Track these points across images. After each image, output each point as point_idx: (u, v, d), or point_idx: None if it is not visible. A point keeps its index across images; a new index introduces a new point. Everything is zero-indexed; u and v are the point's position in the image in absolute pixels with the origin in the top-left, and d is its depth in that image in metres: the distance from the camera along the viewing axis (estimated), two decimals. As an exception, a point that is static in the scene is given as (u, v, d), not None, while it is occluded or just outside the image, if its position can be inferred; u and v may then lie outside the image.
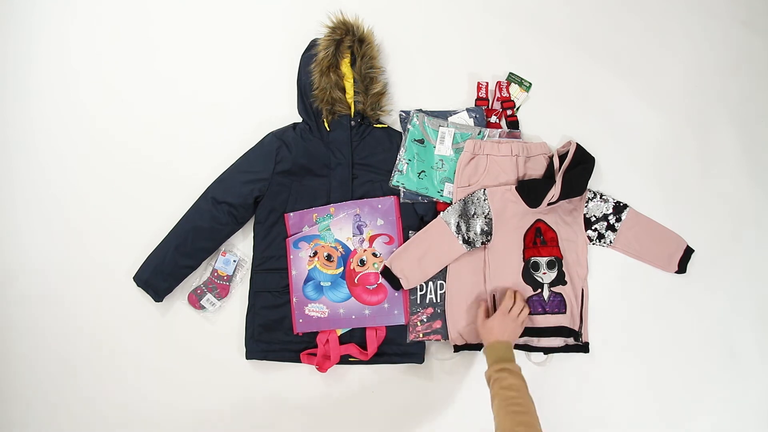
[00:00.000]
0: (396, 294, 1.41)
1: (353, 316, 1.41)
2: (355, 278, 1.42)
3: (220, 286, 1.49)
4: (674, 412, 1.50)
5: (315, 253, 1.44)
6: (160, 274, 1.44)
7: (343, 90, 1.47)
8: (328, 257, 1.44)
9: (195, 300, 1.48)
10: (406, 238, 1.45)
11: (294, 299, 1.43)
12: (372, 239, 1.43)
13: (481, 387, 1.49)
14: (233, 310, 1.50)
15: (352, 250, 1.43)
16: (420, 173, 1.47)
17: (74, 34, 1.62)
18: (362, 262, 1.43)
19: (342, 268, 1.43)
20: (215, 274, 1.49)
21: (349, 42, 1.45)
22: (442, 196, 1.47)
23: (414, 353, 1.44)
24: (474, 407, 1.48)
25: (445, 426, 1.48)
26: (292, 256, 1.44)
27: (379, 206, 1.43)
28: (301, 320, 1.42)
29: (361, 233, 1.43)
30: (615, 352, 1.51)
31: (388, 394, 1.48)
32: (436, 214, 1.49)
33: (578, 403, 1.49)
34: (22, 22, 1.62)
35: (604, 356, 1.51)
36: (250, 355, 1.44)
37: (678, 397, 1.51)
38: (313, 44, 1.49)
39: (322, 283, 1.43)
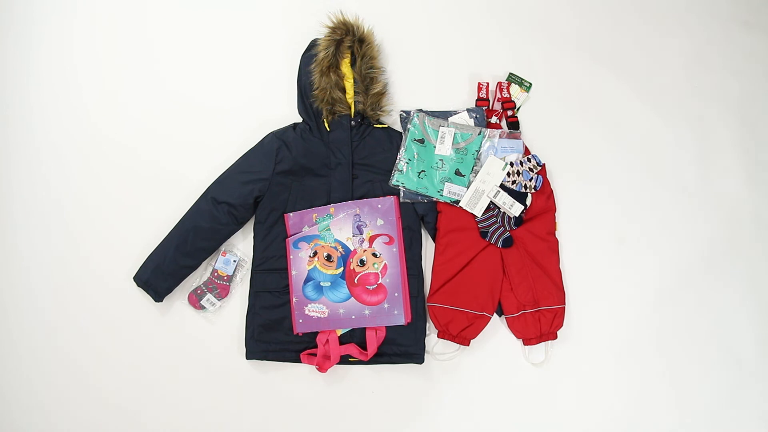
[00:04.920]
0: (396, 294, 1.41)
1: (353, 316, 1.41)
2: (355, 278, 1.42)
3: (220, 286, 1.49)
4: (675, 412, 1.50)
5: (315, 253, 1.44)
6: (160, 274, 1.44)
7: (343, 90, 1.47)
8: (328, 257, 1.44)
9: (195, 300, 1.48)
10: (406, 238, 1.45)
11: (294, 299, 1.43)
12: (372, 239, 1.43)
13: (481, 387, 1.50)
14: (233, 310, 1.50)
15: (352, 250, 1.43)
16: (420, 173, 1.47)
17: (73, 36, 1.62)
18: (362, 262, 1.43)
19: (342, 268, 1.43)
20: (215, 274, 1.49)
21: (349, 42, 1.45)
22: (441, 195, 1.47)
23: (414, 353, 1.44)
24: (474, 407, 1.48)
25: (445, 426, 1.48)
26: (291, 256, 1.44)
27: (379, 206, 1.43)
28: (301, 320, 1.42)
29: (361, 233, 1.43)
30: (615, 352, 1.51)
31: (388, 394, 1.48)
32: (436, 214, 1.49)
33: (578, 403, 1.49)
34: (21, 25, 1.62)
35: (603, 357, 1.51)
36: (250, 355, 1.44)
37: (678, 398, 1.51)
38: (313, 44, 1.49)
39: (321, 283, 1.43)
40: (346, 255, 1.43)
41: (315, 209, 1.45)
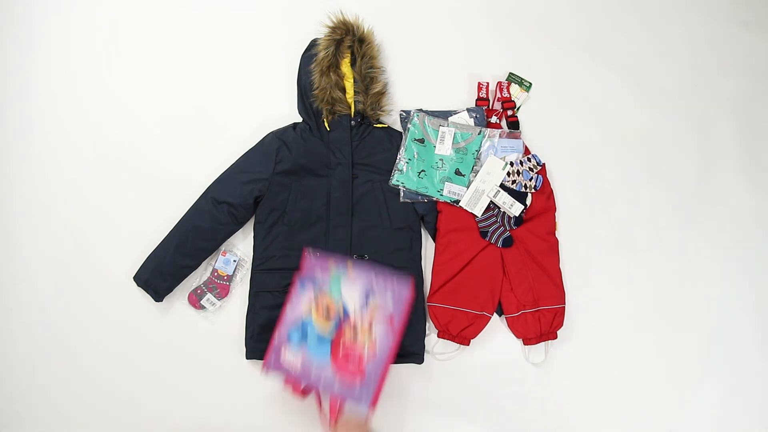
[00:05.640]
0: (371, 382, 1.24)
1: (322, 381, 1.26)
2: (341, 349, 1.27)
3: (220, 286, 1.49)
4: (675, 412, 1.50)
5: (315, 301, 1.30)
6: (160, 274, 1.44)
7: (343, 90, 1.47)
8: (327, 312, 1.30)
9: (195, 300, 1.48)
10: (406, 238, 1.44)
11: (277, 335, 1.29)
12: (374, 312, 1.28)
13: (481, 387, 1.50)
14: (233, 310, 1.50)
15: (351, 317, 1.29)
16: (420, 172, 1.47)
17: (73, 36, 1.62)
18: (355, 336, 1.28)
19: (334, 330, 1.29)
20: (215, 274, 1.49)
21: (349, 42, 1.45)
22: (441, 195, 1.47)
23: (414, 353, 1.44)
24: (474, 407, 1.48)
25: (445, 426, 1.48)
26: (294, 294, 1.31)
27: (395, 281, 1.28)
28: (273, 357, 1.28)
29: (366, 303, 1.29)
30: (615, 352, 1.51)
31: (388, 394, 1.48)
32: (436, 214, 1.49)
33: (578, 403, 1.49)
34: (21, 25, 1.62)
35: (603, 357, 1.51)
36: (250, 355, 1.44)
37: (678, 398, 1.51)
38: (313, 44, 1.49)
39: (309, 335, 1.29)
40: (343, 319, 1.29)
41: (335, 256, 1.33)
